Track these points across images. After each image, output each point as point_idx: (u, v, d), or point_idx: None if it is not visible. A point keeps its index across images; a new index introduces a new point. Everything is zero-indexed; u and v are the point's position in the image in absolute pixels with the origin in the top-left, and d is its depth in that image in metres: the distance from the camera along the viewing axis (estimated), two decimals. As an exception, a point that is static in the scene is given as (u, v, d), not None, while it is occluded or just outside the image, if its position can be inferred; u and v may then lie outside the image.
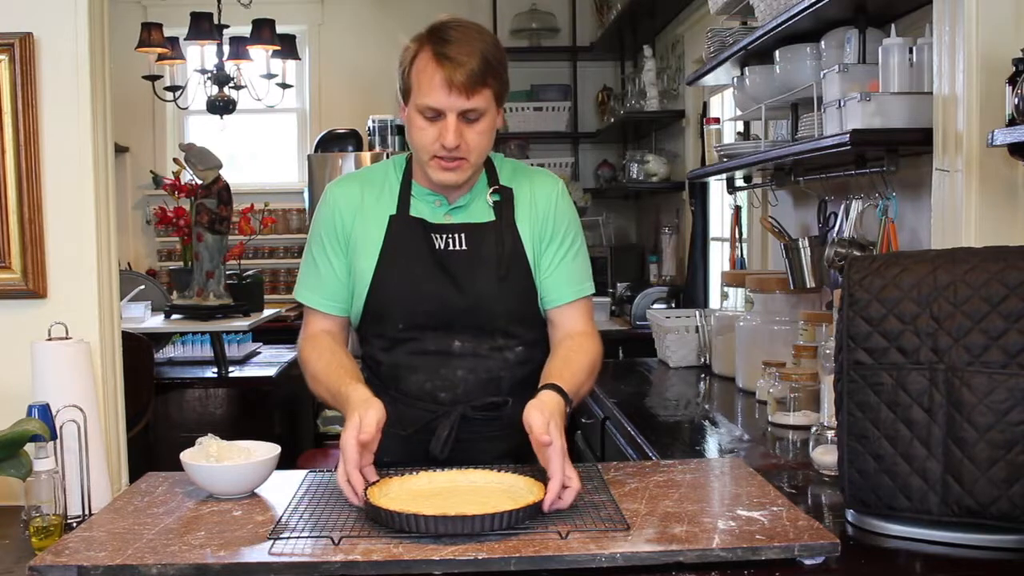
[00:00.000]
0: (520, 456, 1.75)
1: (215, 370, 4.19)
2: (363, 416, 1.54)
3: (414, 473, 1.59)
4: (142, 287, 4.53)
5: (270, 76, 5.28)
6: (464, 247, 1.79)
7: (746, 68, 2.94)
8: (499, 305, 1.79)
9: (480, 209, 1.82)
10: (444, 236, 1.79)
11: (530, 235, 1.81)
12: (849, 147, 2.11)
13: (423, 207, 1.82)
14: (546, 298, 1.83)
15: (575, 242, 1.85)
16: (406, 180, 1.83)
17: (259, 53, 5.19)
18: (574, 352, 1.77)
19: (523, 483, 1.53)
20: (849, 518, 1.54)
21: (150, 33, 4.98)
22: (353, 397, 1.61)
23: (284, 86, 5.39)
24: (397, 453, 1.76)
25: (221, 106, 5.16)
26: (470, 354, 1.79)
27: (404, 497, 1.48)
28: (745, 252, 3.74)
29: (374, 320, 1.82)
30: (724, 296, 3.29)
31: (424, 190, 1.82)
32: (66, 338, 1.71)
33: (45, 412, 1.53)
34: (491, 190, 1.82)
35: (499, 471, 1.60)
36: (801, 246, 2.66)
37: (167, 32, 5.07)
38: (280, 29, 5.09)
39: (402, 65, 1.73)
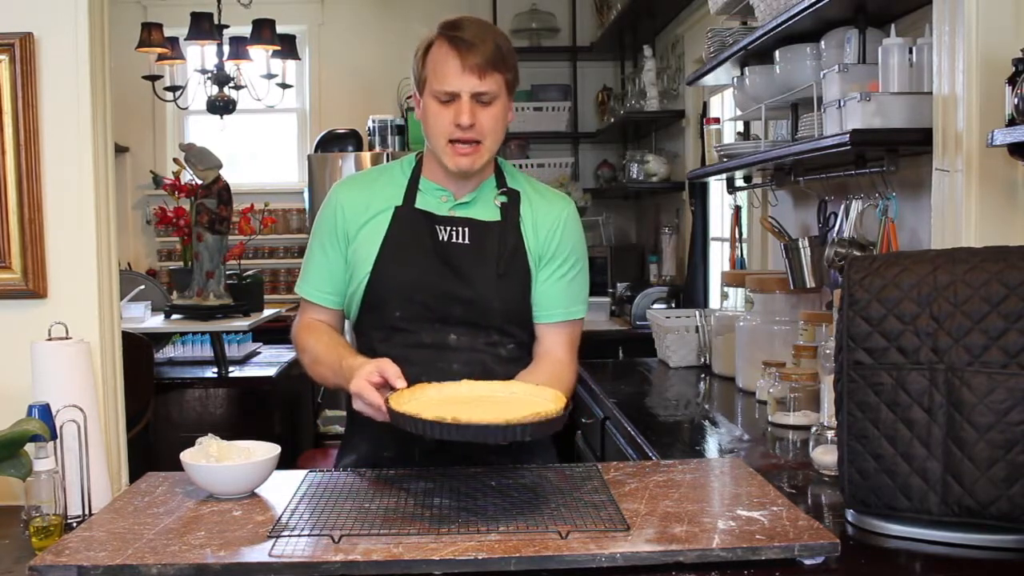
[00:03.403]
0: (516, 452, 1.76)
1: (215, 370, 4.19)
2: (379, 364, 1.60)
3: (423, 384, 1.62)
4: (142, 287, 4.53)
5: (270, 76, 5.27)
6: (467, 241, 1.81)
7: (746, 68, 2.94)
8: (496, 301, 1.80)
9: (485, 209, 1.85)
10: (448, 228, 1.81)
11: (533, 247, 1.84)
12: (849, 147, 2.11)
13: (429, 200, 1.84)
14: (536, 312, 1.86)
15: (576, 265, 1.88)
16: (415, 175, 1.86)
17: (259, 53, 5.19)
18: (554, 382, 1.72)
19: (531, 392, 1.60)
20: (849, 518, 1.54)
21: (150, 33, 4.98)
22: (359, 361, 1.67)
23: (284, 86, 5.38)
24: (392, 446, 1.79)
25: (221, 106, 5.16)
26: (466, 348, 1.81)
27: (422, 405, 1.49)
28: (745, 252, 3.74)
29: (372, 309, 1.83)
30: (724, 296, 3.29)
31: (432, 184, 1.85)
32: (66, 338, 1.71)
33: (45, 412, 1.53)
34: (499, 191, 1.85)
35: (505, 384, 1.65)
36: (801, 246, 2.66)
37: (167, 32, 5.07)
38: (280, 29, 5.09)
39: (416, 56, 1.79)
